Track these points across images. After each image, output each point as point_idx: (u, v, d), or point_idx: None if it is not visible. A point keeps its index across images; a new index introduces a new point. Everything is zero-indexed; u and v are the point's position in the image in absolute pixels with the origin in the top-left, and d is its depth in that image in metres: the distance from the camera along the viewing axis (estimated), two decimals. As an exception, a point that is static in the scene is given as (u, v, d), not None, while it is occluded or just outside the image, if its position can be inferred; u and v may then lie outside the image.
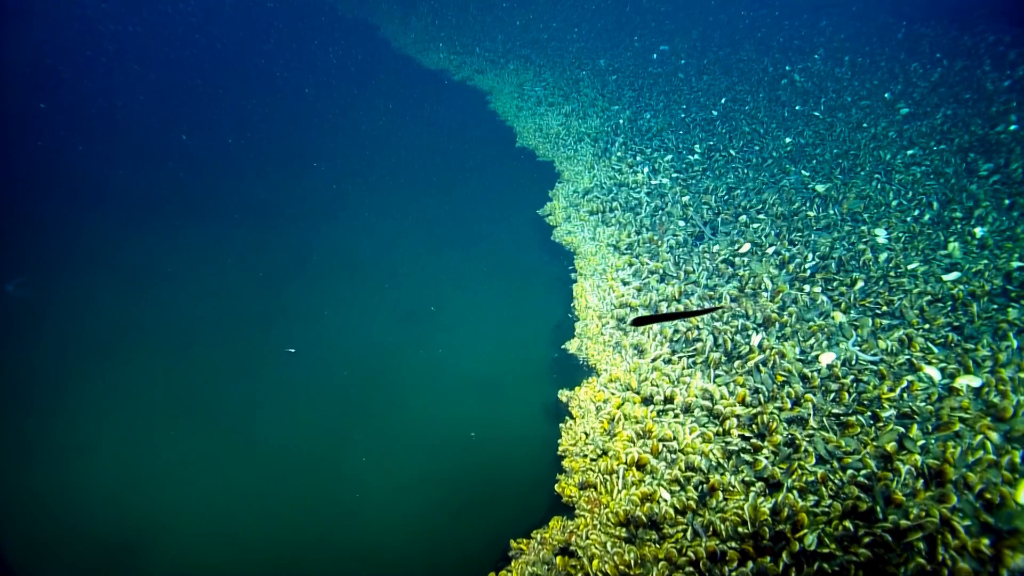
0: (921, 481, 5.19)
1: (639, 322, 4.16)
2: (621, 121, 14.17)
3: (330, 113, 16.28)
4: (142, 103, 16.61)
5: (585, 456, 6.16)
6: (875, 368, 6.43)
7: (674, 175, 11.34)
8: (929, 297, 7.30)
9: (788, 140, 12.36)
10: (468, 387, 7.34)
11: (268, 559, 5.47)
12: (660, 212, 10.14)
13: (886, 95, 13.94)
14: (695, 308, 7.71)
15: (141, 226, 10.56)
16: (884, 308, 7.25)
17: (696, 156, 12.07)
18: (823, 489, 5.32)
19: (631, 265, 8.93)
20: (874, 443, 5.61)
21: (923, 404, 5.86)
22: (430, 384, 7.40)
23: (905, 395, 6.05)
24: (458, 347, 7.97)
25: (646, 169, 11.63)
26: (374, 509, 5.90)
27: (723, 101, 14.96)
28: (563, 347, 7.77)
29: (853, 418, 5.87)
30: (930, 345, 6.57)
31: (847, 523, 4.94)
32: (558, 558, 5.17)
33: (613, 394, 6.79)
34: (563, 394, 7.01)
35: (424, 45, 21.59)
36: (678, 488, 5.61)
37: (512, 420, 6.89)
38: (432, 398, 7.20)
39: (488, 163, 13.08)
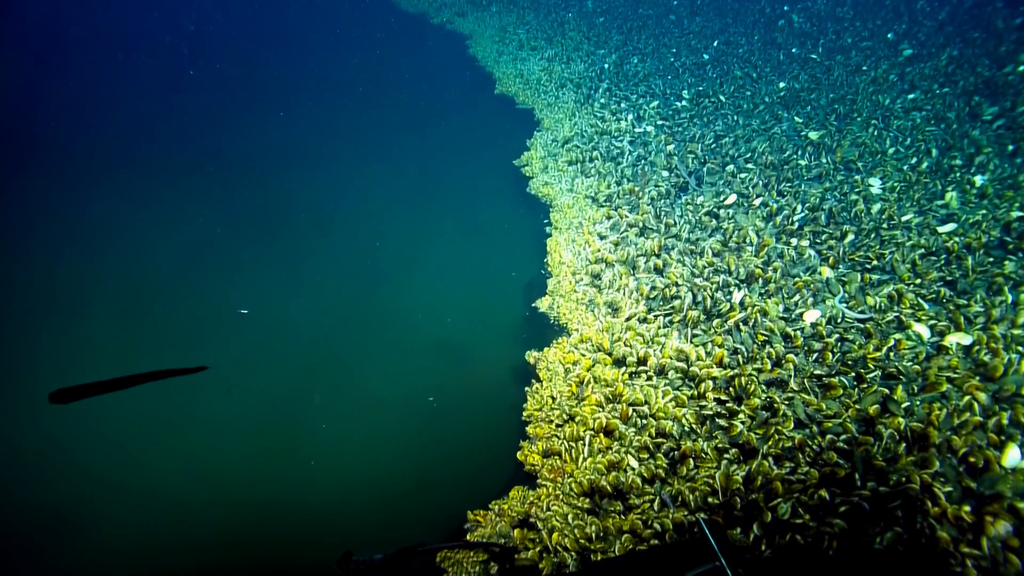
0: (903, 445, 4.86)
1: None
2: (606, 66, 13.31)
3: (295, 59, 15.27)
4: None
5: (551, 422, 5.80)
6: (862, 326, 6.04)
7: (659, 122, 10.65)
8: (922, 250, 6.84)
9: (782, 85, 11.62)
10: (432, 349, 6.92)
11: (208, 526, 5.15)
12: (643, 162, 9.53)
13: (889, 35, 13.10)
14: (673, 263, 7.23)
15: (86, 180, 9.86)
16: (874, 262, 6.80)
17: (684, 102, 11.34)
18: (800, 456, 5.00)
19: (609, 218, 8.39)
20: (856, 406, 5.26)
21: (910, 364, 5.49)
22: (391, 345, 6.97)
23: (891, 354, 5.67)
24: (422, 306, 7.51)
25: (630, 116, 10.92)
26: (328, 478, 5.56)
27: (715, 44, 14.07)
28: (533, 305, 7.33)
29: (836, 379, 5.50)
30: (921, 301, 6.17)
31: (823, 492, 4.64)
32: (516, 531, 4.87)
33: (583, 355, 6.39)
34: (531, 355, 6.61)
35: (402, -15, 20.23)
36: (647, 456, 5.28)
37: (477, 383, 6.50)
38: (393, 361, 6.78)
39: (464, 111, 12.30)
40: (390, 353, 6.88)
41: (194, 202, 9.41)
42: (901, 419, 5.00)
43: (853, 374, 5.56)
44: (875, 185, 8.20)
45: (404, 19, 17.97)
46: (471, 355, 6.85)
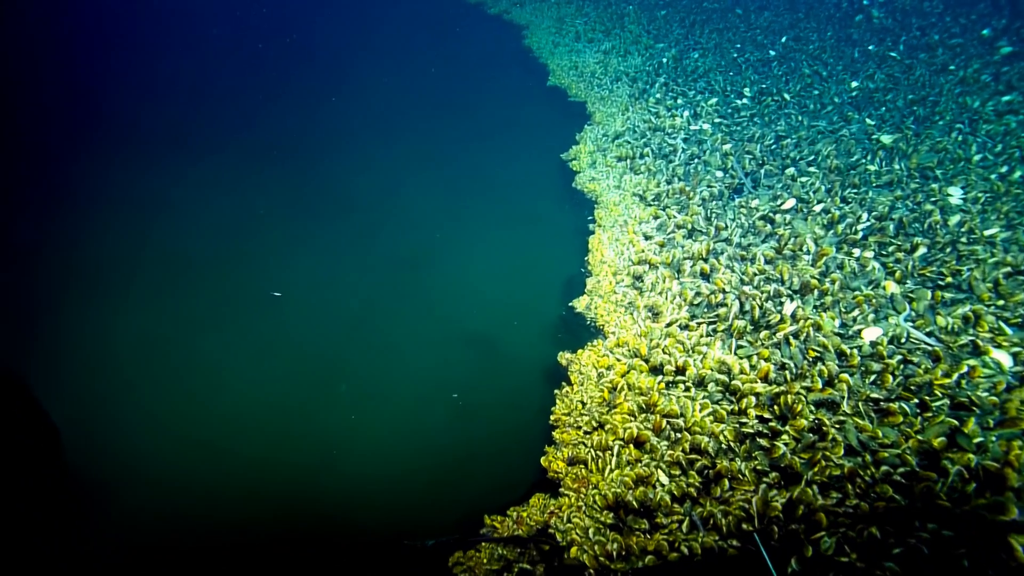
0: (974, 486, 4.33)
1: None
2: (665, 60, 12.79)
3: (353, 47, 15.45)
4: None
5: (579, 428, 5.53)
6: (929, 348, 5.46)
7: (717, 120, 10.11)
8: (1008, 269, 6.15)
9: (855, 84, 10.82)
10: (463, 342, 6.77)
11: (227, 511, 5.17)
12: (696, 160, 9.05)
13: (984, 31, 12.00)
14: (721, 268, 6.80)
15: (142, 157, 10.23)
16: (948, 279, 6.16)
17: (745, 100, 10.73)
18: (849, 486, 4.54)
19: (656, 218, 7.99)
20: (918, 437, 4.75)
21: (985, 394, 4.91)
22: (423, 338, 6.86)
23: (964, 382, 5.10)
24: (458, 299, 7.37)
25: (686, 113, 10.42)
26: (346, 469, 5.50)
27: (783, 40, 13.28)
28: (570, 304, 7.06)
29: (896, 405, 4.98)
30: (1002, 325, 5.52)
31: (874, 529, 4.18)
32: (531, 544, 4.64)
33: (618, 360, 6.07)
34: (563, 357, 6.35)
35: (462, -25, 20.19)
36: (679, 472, 4.94)
37: (505, 382, 6.30)
38: (424, 353, 6.67)
39: (515, 102, 12.09)
40: (420, 344, 6.77)
41: (241, 183, 9.61)
42: (972, 455, 4.46)
43: (916, 401, 5.03)
44: (955, 195, 7.46)
45: (461, 8, 17.91)
46: (502, 352, 6.65)
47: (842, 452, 4.77)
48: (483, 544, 4.61)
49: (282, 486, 5.38)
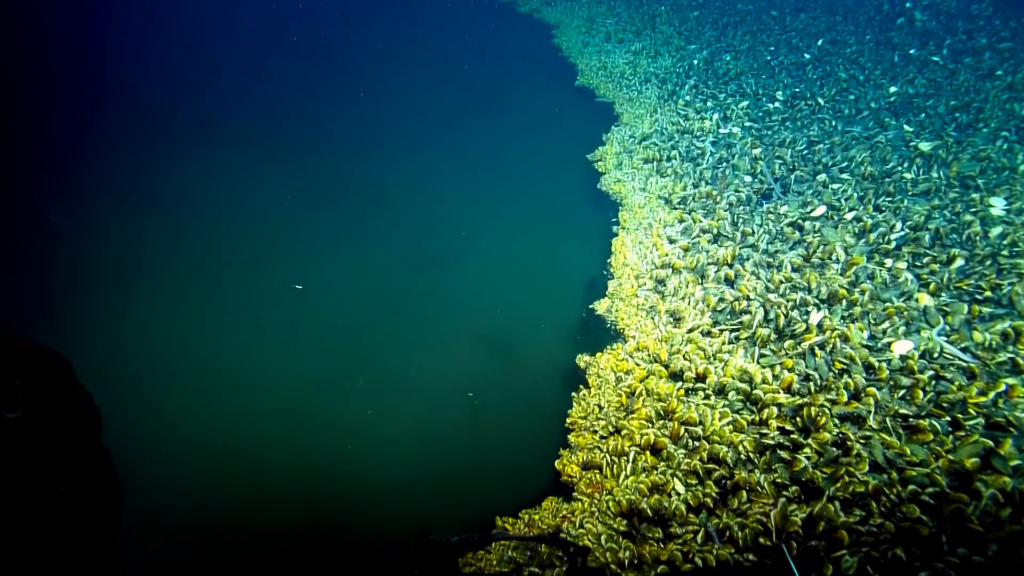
0: (1009, 511, 4.15)
1: None
2: (696, 62, 12.58)
3: (381, 44, 15.57)
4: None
5: (595, 432, 5.46)
6: (964, 365, 5.25)
7: (747, 124, 9.90)
8: (1051, 284, 5.88)
9: (893, 89, 10.48)
10: (481, 340, 6.75)
11: (235, 510, 5.23)
12: (724, 164, 8.87)
13: (1031, 37, 11.51)
14: (746, 274, 6.65)
15: (178, 149, 10.46)
16: (987, 293, 5.91)
17: (777, 104, 10.49)
18: (874, 504, 4.39)
19: (681, 221, 7.86)
20: (949, 456, 4.56)
21: None
22: (442, 335, 6.86)
23: (1001, 401, 4.88)
24: (478, 297, 7.35)
25: (716, 116, 10.23)
26: (361, 465, 5.53)
27: (820, 43, 12.94)
28: (591, 307, 6.98)
29: (926, 422, 4.80)
30: (1044, 343, 5.28)
31: (899, 551, 4.03)
32: (543, 545, 4.60)
33: (638, 364, 5.98)
34: (582, 359, 6.28)
35: (493, -26, 20.20)
36: (695, 482, 4.83)
37: (523, 382, 6.26)
38: (442, 350, 6.67)
39: (541, 102, 12.02)
40: (438, 341, 6.77)
41: (269, 177, 9.75)
42: (1008, 479, 4.28)
43: (948, 418, 4.83)
44: (997, 206, 7.16)
45: (490, 7, 17.90)
46: (520, 351, 6.61)
47: (867, 468, 4.61)
48: (494, 544, 4.58)
49: (293, 482, 5.42)
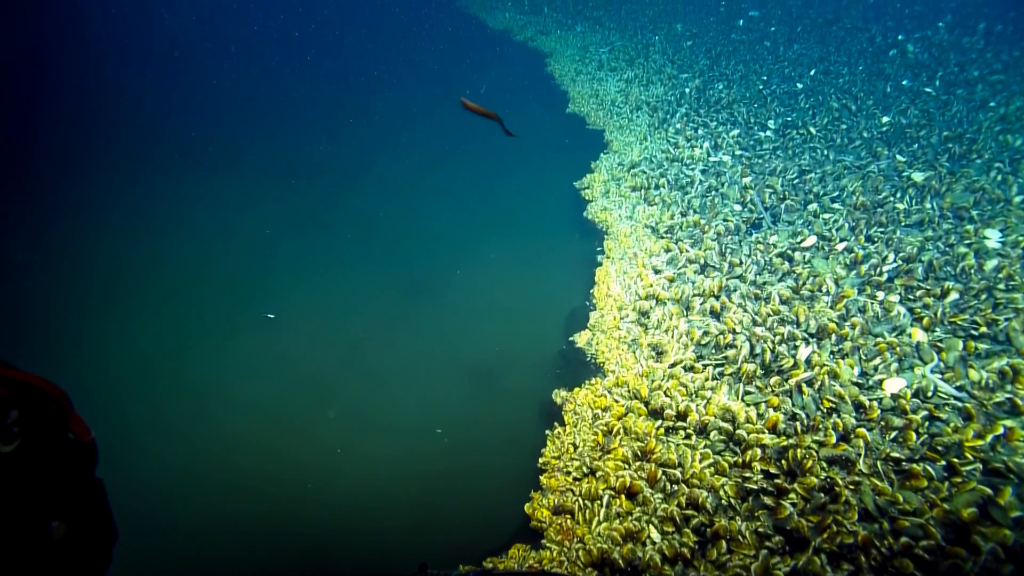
0: (1010, 568, 3.81)
1: None
2: (688, 90, 12.56)
3: (376, 71, 15.68)
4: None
5: (568, 473, 5.15)
6: (959, 405, 4.95)
7: (738, 152, 9.77)
8: (1050, 320, 5.61)
9: (886, 119, 10.39)
10: (457, 371, 6.48)
11: (197, 540, 4.93)
12: (713, 193, 8.71)
13: (1024, 69, 11.47)
14: (733, 307, 6.40)
15: (163, 175, 10.38)
16: (983, 329, 5.64)
17: (768, 132, 10.39)
18: (863, 558, 4.05)
19: (667, 251, 7.65)
20: (945, 505, 4.24)
21: None
22: (418, 366, 6.59)
23: (999, 445, 4.57)
24: (456, 328, 7.10)
25: (706, 144, 10.12)
26: (321, 503, 5.21)
27: (812, 73, 12.95)
28: (571, 339, 6.73)
29: (919, 467, 4.49)
30: (1043, 383, 4.99)
31: (890, 612, 3.69)
32: (513, 593, 4.27)
33: (616, 401, 5.69)
34: (558, 395, 6.00)
35: (492, 3, 20.53)
36: (672, 529, 4.51)
37: (499, 418, 5.96)
38: (417, 382, 6.39)
39: (531, 129, 11.96)
40: (414, 372, 6.50)
41: (253, 202, 9.62)
42: (1008, 532, 3.95)
43: (943, 463, 4.52)
44: (992, 238, 6.95)
45: (487, 36, 18.10)
46: (496, 384, 6.33)
47: (856, 517, 4.29)
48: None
49: (259, 516, 5.12)
